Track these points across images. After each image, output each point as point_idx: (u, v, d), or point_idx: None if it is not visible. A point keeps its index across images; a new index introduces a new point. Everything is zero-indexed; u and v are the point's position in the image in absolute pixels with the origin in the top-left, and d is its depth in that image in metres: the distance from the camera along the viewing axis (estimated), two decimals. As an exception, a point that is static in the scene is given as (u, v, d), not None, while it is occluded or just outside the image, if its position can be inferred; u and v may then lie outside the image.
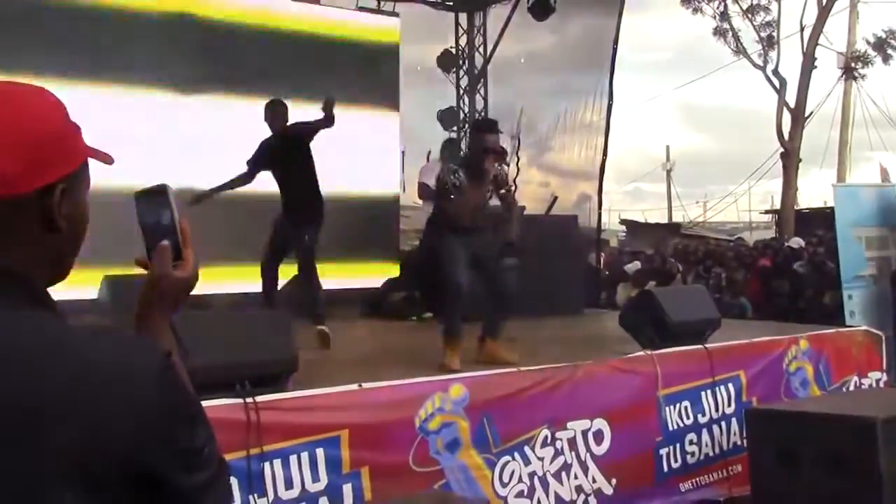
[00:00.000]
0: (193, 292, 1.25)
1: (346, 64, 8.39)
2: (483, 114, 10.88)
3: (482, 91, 10.84)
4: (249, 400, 3.40)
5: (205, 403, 3.38)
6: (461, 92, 10.80)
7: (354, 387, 3.78)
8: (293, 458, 3.48)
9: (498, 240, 5.02)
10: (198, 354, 3.35)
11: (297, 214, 5.71)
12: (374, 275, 8.27)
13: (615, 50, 9.15)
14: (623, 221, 26.34)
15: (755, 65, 20.61)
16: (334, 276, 7.75)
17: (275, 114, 5.81)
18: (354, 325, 6.90)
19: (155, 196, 1.22)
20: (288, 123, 5.85)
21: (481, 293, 4.98)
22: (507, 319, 4.96)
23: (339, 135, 7.15)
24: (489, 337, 4.91)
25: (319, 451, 3.55)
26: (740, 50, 20.62)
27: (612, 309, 8.76)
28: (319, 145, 5.89)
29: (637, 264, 11.85)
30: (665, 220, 29.99)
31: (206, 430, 1.04)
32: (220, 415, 3.30)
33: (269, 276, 5.70)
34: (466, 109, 10.64)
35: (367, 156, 8.23)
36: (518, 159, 8.96)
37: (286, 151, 5.75)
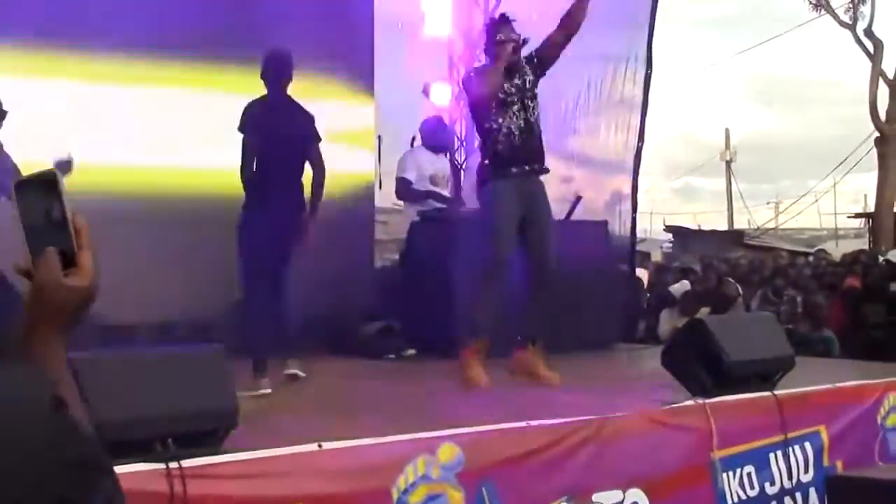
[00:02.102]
0: (109, 319, 1.27)
1: (299, 17, 8.49)
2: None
3: (482, 58, 10.86)
4: (174, 465, 3.39)
5: (116, 470, 3.40)
6: (455, 59, 10.82)
7: (313, 447, 3.78)
8: (231, 543, 3.48)
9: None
10: (106, 406, 3.38)
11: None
12: (340, 299, 8.26)
13: (655, 1, 9.18)
14: (669, 228, 26.47)
15: (842, 23, 20.79)
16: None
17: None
18: (314, 364, 6.90)
19: (41, 186, 1.23)
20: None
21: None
22: (548, 306, 5.16)
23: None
24: (530, 341, 5.04)
25: (266, 533, 3.55)
26: (822, 3, 20.79)
27: (653, 343, 8.80)
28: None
29: (686, 285, 11.90)
30: (724, 227, 30.11)
31: (109, 484, 1.06)
32: (134, 485, 3.30)
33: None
34: (461, 81, 10.66)
35: (331, 143, 8.22)
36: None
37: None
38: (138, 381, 3.60)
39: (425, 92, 10.01)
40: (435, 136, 8.68)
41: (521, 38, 5.75)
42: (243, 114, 6.14)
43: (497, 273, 5.28)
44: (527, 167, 5.48)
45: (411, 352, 7.25)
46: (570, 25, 5.83)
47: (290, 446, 3.76)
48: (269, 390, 5.38)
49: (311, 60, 8.28)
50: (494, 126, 5.49)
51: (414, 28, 9.99)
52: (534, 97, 5.60)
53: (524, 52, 5.76)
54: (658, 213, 30.95)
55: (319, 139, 6.24)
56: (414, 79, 10.17)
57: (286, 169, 6.05)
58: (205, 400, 3.71)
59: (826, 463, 5.21)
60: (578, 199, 8.49)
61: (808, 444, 5.19)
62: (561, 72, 10.16)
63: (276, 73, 6.16)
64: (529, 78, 5.62)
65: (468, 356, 4.75)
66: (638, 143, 9.40)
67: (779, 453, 5.05)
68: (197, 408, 3.68)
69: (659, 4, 9.25)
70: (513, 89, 5.51)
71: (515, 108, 5.46)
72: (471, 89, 5.66)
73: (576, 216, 8.53)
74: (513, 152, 5.45)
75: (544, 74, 5.82)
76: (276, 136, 6.06)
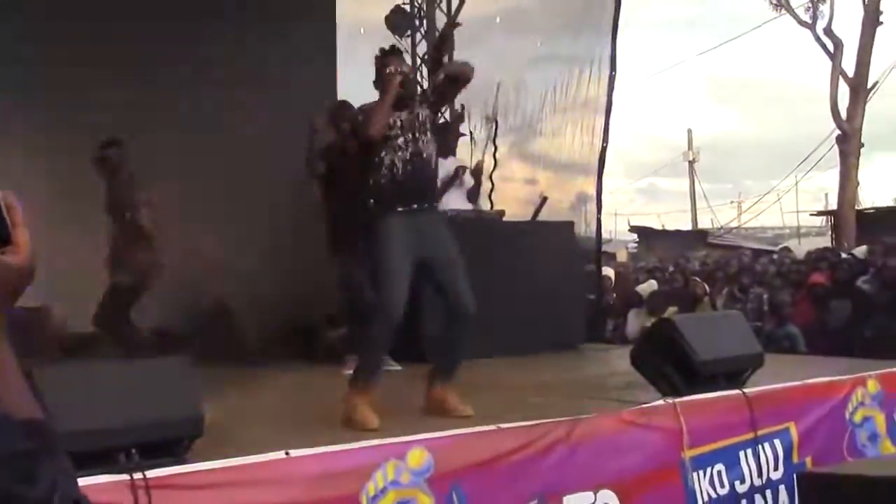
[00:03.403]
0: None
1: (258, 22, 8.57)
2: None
3: (447, 60, 10.84)
4: (138, 475, 3.33)
5: (80, 482, 3.32)
6: (419, 62, 10.80)
7: (280, 455, 3.72)
8: (197, 554, 3.42)
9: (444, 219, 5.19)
10: (69, 417, 3.32)
11: None
12: (305, 305, 8.23)
13: (618, 5, 9.21)
14: (634, 228, 26.58)
15: (801, 22, 20.94)
16: (255, 303, 7.88)
17: None
18: (281, 370, 6.86)
19: None
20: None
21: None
22: (465, 348, 5.02)
23: (260, 115, 7.40)
24: (441, 379, 4.95)
25: (234, 543, 3.50)
26: (781, 3, 20.93)
27: (621, 343, 8.81)
28: (236, 123, 6.09)
29: (653, 284, 11.94)
30: (688, 227, 30.28)
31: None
32: (98, 497, 3.23)
33: None
34: (426, 84, 10.64)
35: (293, 141, 8.21)
36: (495, 148, 9.03)
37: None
38: (101, 391, 3.55)
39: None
40: None
41: (411, 70, 5.61)
42: None
43: (390, 322, 4.98)
44: (415, 205, 5.11)
45: (395, 367, 7.13)
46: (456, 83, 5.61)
47: (257, 454, 3.71)
48: None
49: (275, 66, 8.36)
50: (377, 160, 5.16)
51: (378, 32, 10.01)
52: (426, 131, 5.25)
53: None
54: (622, 213, 31.12)
55: None
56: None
57: None
58: (169, 409, 3.65)
59: (795, 460, 5.21)
60: (544, 199, 8.49)
61: (777, 442, 5.18)
62: (526, 75, 10.27)
63: None
64: (423, 112, 5.28)
65: (355, 399, 4.65)
66: (602, 144, 9.42)
67: (749, 451, 5.04)
68: (161, 417, 3.62)
69: (622, 7, 9.29)
70: (398, 122, 5.17)
71: (400, 141, 5.14)
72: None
73: (541, 217, 8.54)
74: (396, 187, 5.09)
75: (441, 108, 5.58)
76: None
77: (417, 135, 5.15)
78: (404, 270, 4.93)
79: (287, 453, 3.74)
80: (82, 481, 3.18)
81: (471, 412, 4.74)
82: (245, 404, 5.30)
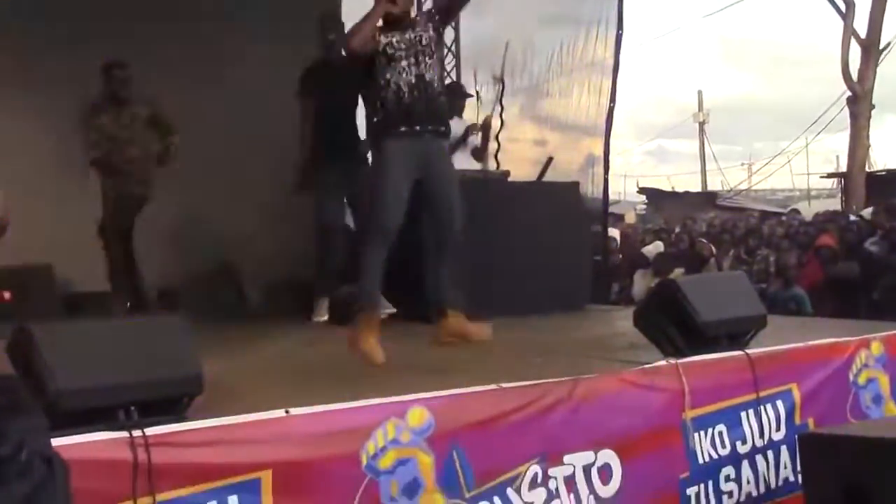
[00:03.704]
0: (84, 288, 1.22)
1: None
2: (455, 50, 10.85)
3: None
4: (137, 433, 3.34)
5: (78, 439, 3.32)
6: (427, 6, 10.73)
7: (280, 413, 3.73)
8: (197, 511, 3.43)
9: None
10: (68, 374, 3.34)
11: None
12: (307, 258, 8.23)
13: (624, -39, 9.15)
14: (642, 190, 26.50)
15: (813, -18, 20.68)
16: (255, 260, 7.92)
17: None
18: (280, 327, 6.87)
19: None
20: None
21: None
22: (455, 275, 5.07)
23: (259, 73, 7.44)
24: (448, 306, 4.96)
25: (233, 500, 3.50)
26: (793, -38, 20.70)
27: (627, 305, 8.80)
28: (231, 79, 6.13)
29: (659, 246, 11.92)
30: (698, 189, 30.19)
31: (22, 430, 1.02)
32: (97, 453, 3.27)
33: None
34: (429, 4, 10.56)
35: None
36: (502, 109, 8.98)
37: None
38: (100, 349, 3.54)
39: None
40: None
41: None
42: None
43: (382, 241, 4.99)
44: (418, 127, 5.13)
45: (389, 311, 7.19)
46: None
47: (257, 413, 3.72)
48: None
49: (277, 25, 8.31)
50: (382, 82, 5.16)
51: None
52: (431, 54, 5.26)
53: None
54: (632, 175, 31.06)
55: None
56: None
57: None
58: (168, 367, 3.65)
59: (798, 421, 5.20)
60: (549, 160, 8.47)
61: (779, 403, 5.17)
62: (532, 35, 10.20)
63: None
64: (426, 34, 5.28)
65: (361, 328, 4.66)
66: (610, 104, 9.39)
67: (751, 412, 5.03)
68: (160, 375, 3.61)
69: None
70: (402, 44, 5.18)
71: (404, 63, 5.13)
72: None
73: (548, 178, 8.52)
74: (401, 110, 5.11)
75: (445, 28, 5.61)
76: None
77: (421, 57, 5.16)
78: (401, 193, 4.97)
79: (287, 411, 3.75)
80: (81, 438, 3.23)
81: (489, 333, 4.73)
82: (245, 362, 5.30)
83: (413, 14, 5.47)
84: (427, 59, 5.20)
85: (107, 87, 7.31)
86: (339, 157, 6.90)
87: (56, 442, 3.22)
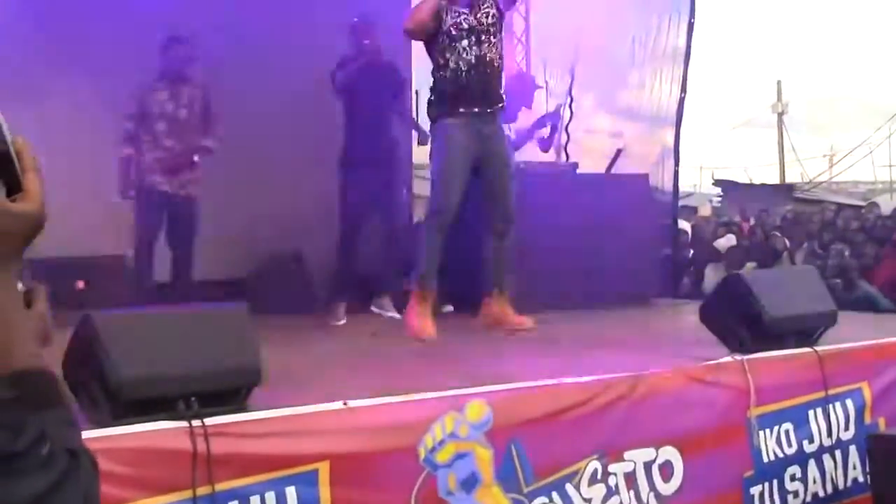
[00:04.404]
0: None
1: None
2: (525, 40, 10.81)
3: (522, 9, 10.76)
4: (197, 423, 3.39)
5: (140, 427, 3.37)
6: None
7: (338, 405, 3.75)
8: (255, 501, 3.46)
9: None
10: (129, 364, 3.41)
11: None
12: (377, 255, 8.26)
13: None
14: (718, 182, 26.15)
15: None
16: (323, 251, 7.93)
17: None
18: (340, 320, 6.90)
19: None
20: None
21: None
22: (509, 256, 5.05)
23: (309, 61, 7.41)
24: (496, 288, 4.95)
25: (290, 491, 3.53)
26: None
27: (698, 299, 8.70)
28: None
29: (731, 239, 11.78)
30: (776, 180, 29.74)
31: (36, 423, 1.03)
32: (157, 443, 3.33)
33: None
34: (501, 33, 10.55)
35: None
36: (571, 100, 8.94)
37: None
38: (161, 339, 3.59)
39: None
40: None
41: None
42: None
43: (439, 221, 5.01)
44: (476, 109, 5.16)
45: (448, 308, 7.21)
46: None
47: (315, 404, 3.75)
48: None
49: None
50: (441, 62, 5.19)
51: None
52: (495, 34, 5.27)
53: None
54: (709, 167, 30.66)
55: None
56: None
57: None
58: (228, 358, 3.70)
59: (868, 420, 5.12)
60: (618, 152, 8.40)
61: (849, 402, 5.09)
62: (604, 25, 10.14)
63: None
64: (491, 12, 5.28)
65: (413, 307, 4.67)
66: (681, 93, 9.30)
67: (818, 410, 4.96)
68: (220, 366, 3.66)
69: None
70: (464, 24, 5.18)
71: (465, 42, 5.14)
72: (403, 25, 5.32)
73: (619, 170, 8.45)
74: (460, 91, 5.13)
75: (510, 8, 5.58)
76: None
77: (484, 37, 5.17)
78: (459, 174, 4.99)
79: (345, 403, 3.77)
80: (142, 427, 3.28)
81: (532, 324, 4.72)
82: (307, 353, 5.34)
83: None
84: (491, 38, 5.20)
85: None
86: (370, 159, 6.78)
87: (116, 431, 3.31)
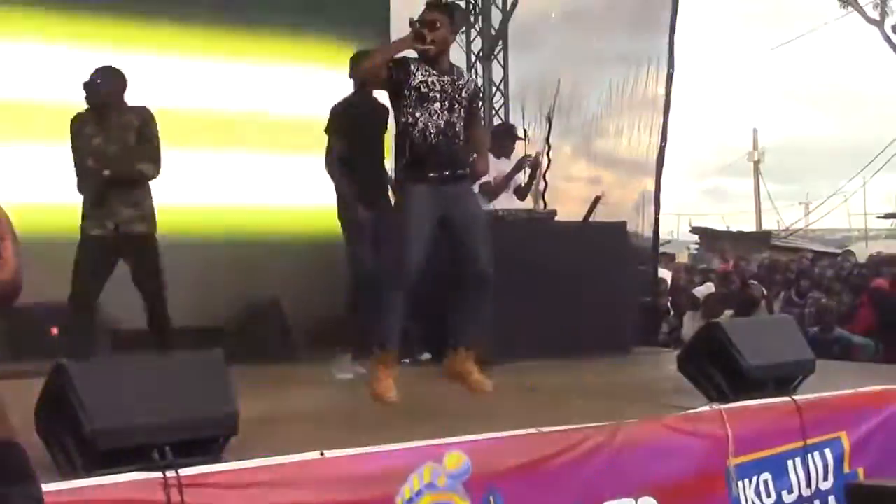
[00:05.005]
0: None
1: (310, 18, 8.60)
2: (503, 88, 10.86)
3: (501, 57, 10.83)
4: (171, 473, 3.35)
5: (112, 479, 3.32)
6: (473, 59, 10.79)
7: (315, 455, 3.73)
8: (229, 554, 3.43)
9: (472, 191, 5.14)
10: (103, 413, 3.36)
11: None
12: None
13: (676, 2, 9.14)
14: (695, 229, 26.29)
15: (869, 20, 20.59)
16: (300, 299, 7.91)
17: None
18: (316, 368, 6.86)
19: None
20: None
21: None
22: (484, 313, 4.97)
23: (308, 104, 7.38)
24: (461, 344, 4.89)
25: (266, 543, 3.50)
26: (849, 0, 20.60)
27: (676, 347, 8.70)
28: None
29: (710, 287, 11.80)
30: (753, 228, 29.93)
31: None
32: (130, 494, 3.28)
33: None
34: (481, 81, 10.63)
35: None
36: (548, 147, 8.98)
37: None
38: (136, 387, 3.55)
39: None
40: None
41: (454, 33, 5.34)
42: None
43: (400, 283, 4.91)
44: (447, 172, 5.00)
45: (426, 356, 7.20)
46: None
47: (292, 454, 3.71)
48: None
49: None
50: (410, 120, 5.02)
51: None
52: (465, 104, 5.12)
53: None
54: (686, 214, 30.84)
55: None
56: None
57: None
58: (204, 406, 3.66)
59: (847, 470, 5.11)
60: (597, 199, 8.41)
61: (828, 451, 5.09)
62: (583, 72, 10.21)
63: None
64: (468, 87, 5.19)
65: (375, 369, 4.58)
66: (661, 142, 9.37)
67: (797, 460, 4.95)
68: (195, 414, 3.62)
69: (681, 4, 9.21)
70: (437, 85, 5.03)
71: (437, 105, 5.01)
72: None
73: (602, 217, 8.47)
74: (429, 152, 4.98)
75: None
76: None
77: (456, 105, 5.06)
78: (423, 236, 4.88)
79: (322, 453, 3.73)
80: (115, 479, 3.23)
81: (490, 387, 4.69)
82: (283, 403, 5.31)
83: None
84: (461, 110, 5.09)
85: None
86: (367, 200, 6.59)
87: (89, 482, 3.26)
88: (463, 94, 5.11)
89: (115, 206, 5.94)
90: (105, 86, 6.04)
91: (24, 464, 1.08)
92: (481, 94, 5.38)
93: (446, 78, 5.06)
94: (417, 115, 4.97)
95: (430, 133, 4.95)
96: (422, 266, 4.90)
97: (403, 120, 5.06)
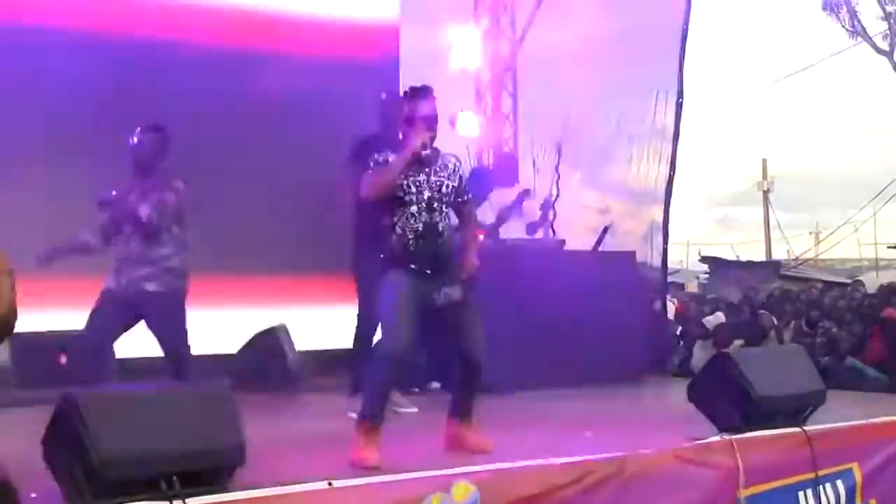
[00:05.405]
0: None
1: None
2: (513, 118, 10.88)
3: (510, 87, 10.86)
4: (178, 503, 3.36)
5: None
6: (482, 88, 10.82)
7: (323, 485, 3.72)
8: (237, 584, 3.42)
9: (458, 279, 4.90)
10: (111, 443, 3.37)
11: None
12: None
13: (686, 31, 9.16)
14: (705, 259, 26.21)
15: (879, 50, 20.63)
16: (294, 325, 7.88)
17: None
18: (325, 397, 6.84)
19: None
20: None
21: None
22: (476, 391, 4.92)
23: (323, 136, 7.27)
24: (458, 419, 4.86)
25: (274, 573, 3.50)
26: (858, 31, 20.65)
27: (687, 376, 8.67)
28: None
29: (720, 316, 11.77)
30: (762, 258, 29.85)
31: None
32: (138, 524, 3.28)
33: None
34: (489, 111, 10.65)
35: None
36: (558, 177, 8.99)
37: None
38: (143, 418, 3.56)
39: (451, 122, 9.94)
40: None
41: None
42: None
43: (389, 366, 4.79)
44: (429, 271, 4.73)
45: (435, 385, 7.18)
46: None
47: (299, 484, 3.71)
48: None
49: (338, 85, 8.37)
50: (388, 223, 4.77)
51: (441, 60, 9.98)
52: (447, 204, 4.82)
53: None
54: (696, 243, 30.77)
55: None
56: (440, 110, 10.15)
57: None
58: (211, 436, 3.66)
59: (858, 502, 5.09)
60: (606, 228, 8.43)
61: (839, 482, 5.06)
62: (592, 102, 10.23)
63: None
64: (450, 183, 4.83)
65: (359, 436, 4.52)
66: (670, 172, 9.37)
67: (809, 492, 4.92)
68: (203, 445, 3.62)
69: (690, 33, 9.24)
70: (412, 187, 4.74)
71: (413, 209, 4.72)
72: (363, 187, 4.80)
73: (611, 247, 8.48)
74: (407, 256, 4.72)
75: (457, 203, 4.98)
76: None
77: (436, 204, 4.77)
78: (409, 310, 4.66)
79: (330, 483, 3.73)
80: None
81: (490, 448, 4.67)
82: (290, 432, 5.31)
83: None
84: (443, 207, 4.80)
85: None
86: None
87: (97, 511, 3.26)
88: (443, 191, 4.81)
89: (131, 263, 5.67)
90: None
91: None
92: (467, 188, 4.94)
93: (422, 177, 4.75)
94: (395, 218, 4.72)
95: (409, 238, 4.68)
96: (413, 344, 4.77)
97: (383, 221, 4.82)
